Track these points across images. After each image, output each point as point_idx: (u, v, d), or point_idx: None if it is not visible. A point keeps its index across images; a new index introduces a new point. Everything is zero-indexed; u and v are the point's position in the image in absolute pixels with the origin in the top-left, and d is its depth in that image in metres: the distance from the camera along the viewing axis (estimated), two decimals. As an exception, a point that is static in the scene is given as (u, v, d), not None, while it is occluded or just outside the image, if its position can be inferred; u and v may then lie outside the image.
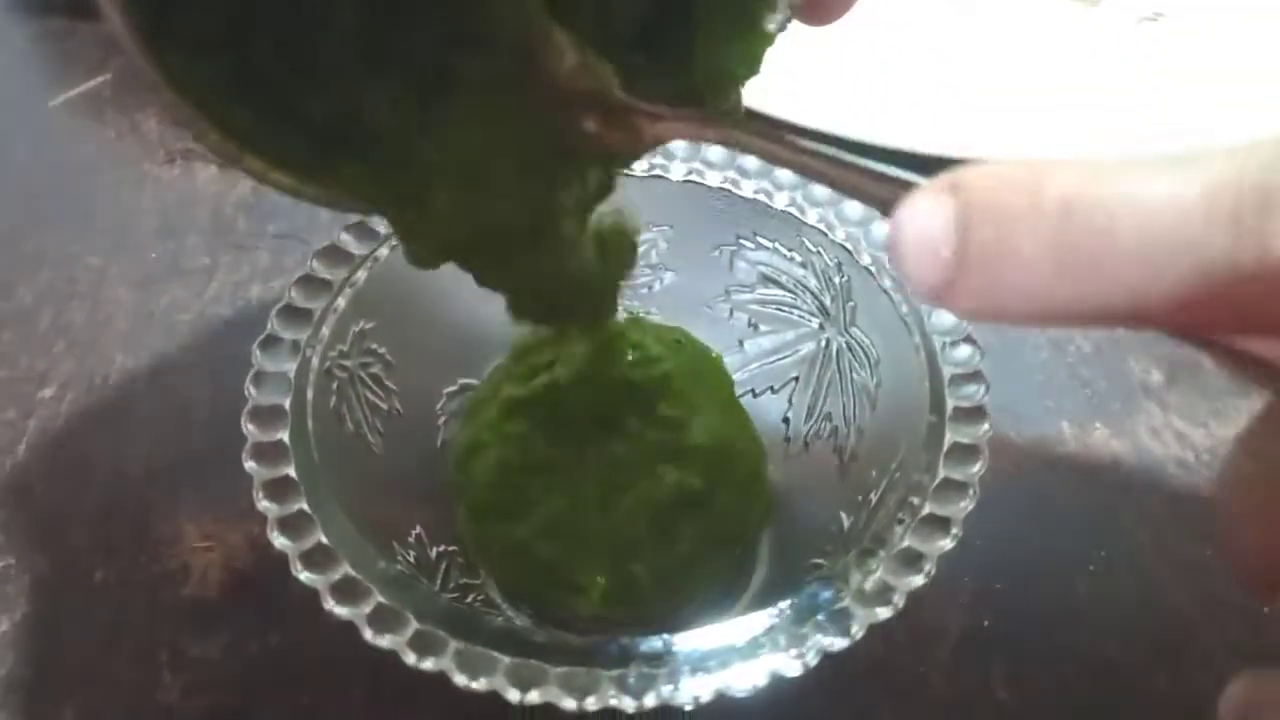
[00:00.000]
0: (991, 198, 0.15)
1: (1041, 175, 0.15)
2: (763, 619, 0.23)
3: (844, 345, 0.31)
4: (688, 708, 0.22)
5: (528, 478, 0.30)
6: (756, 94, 0.42)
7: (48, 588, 0.33)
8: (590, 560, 0.29)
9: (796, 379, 0.33)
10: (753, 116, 0.20)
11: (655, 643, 0.23)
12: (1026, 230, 0.15)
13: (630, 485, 0.30)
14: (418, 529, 0.30)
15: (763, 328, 0.33)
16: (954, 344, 0.27)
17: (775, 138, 0.19)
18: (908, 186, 0.17)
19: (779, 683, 0.23)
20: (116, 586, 0.33)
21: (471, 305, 0.32)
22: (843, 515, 0.29)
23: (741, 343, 0.33)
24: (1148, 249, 0.14)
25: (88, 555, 0.33)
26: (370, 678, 0.30)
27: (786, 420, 0.33)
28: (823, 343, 0.32)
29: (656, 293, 0.34)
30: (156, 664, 0.31)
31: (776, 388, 0.33)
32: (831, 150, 0.19)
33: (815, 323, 0.32)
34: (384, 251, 0.30)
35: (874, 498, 0.28)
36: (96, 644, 0.31)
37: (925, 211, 0.16)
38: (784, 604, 0.23)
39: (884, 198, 0.17)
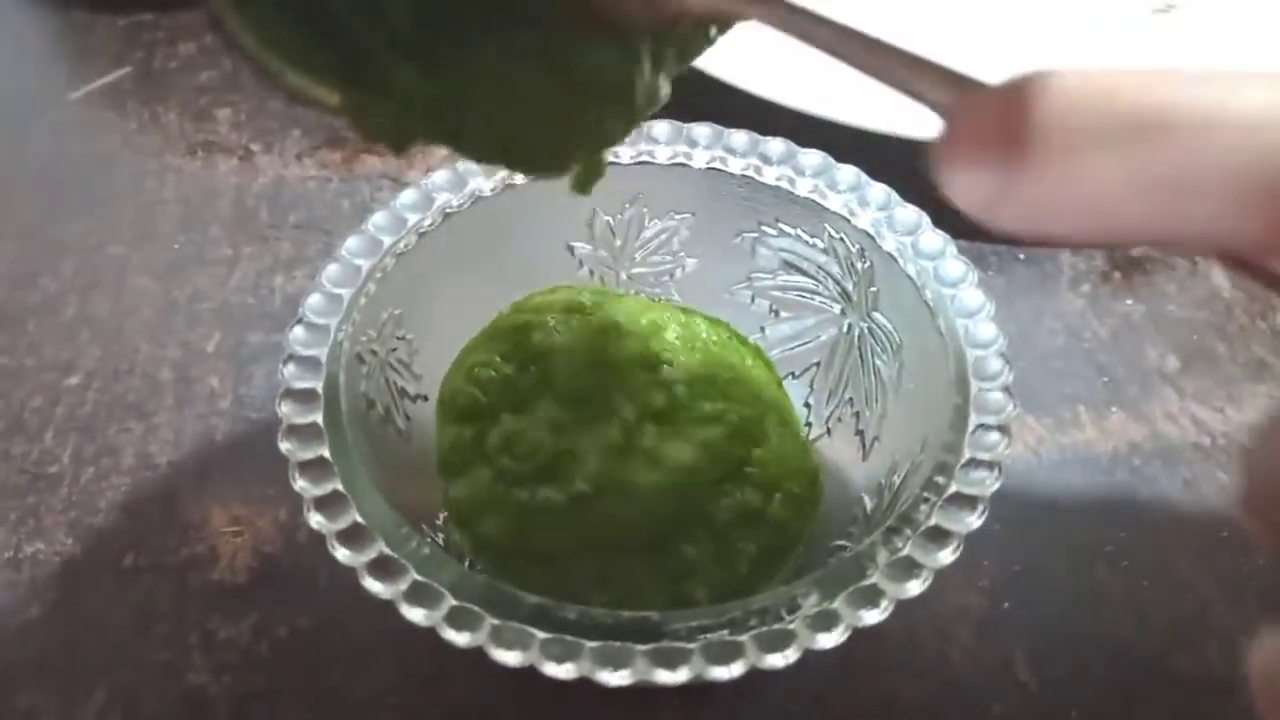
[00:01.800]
0: (1061, 103, 0.14)
1: (1118, 83, 0.14)
2: (793, 594, 0.23)
3: (866, 330, 0.31)
4: (720, 681, 0.23)
5: (561, 531, 0.29)
6: (745, 76, 0.42)
7: (77, 572, 0.33)
8: (648, 595, 0.28)
9: (818, 364, 0.33)
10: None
11: (687, 618, 0.23)
12: (1099, 140, 0.14)
13: (686, 512, 0.29)
14: (445, 513, 0.30)
15: (784, 314, 0.33)
16: (976, 326, 0.28)
17: (824, 21, 0.18)
18: (964, 86, 0.16)
19: (805, 660, 0.23)
20: (146, 571, 0.33)
21: (497, 292, 0.32)
22: (865, 498, 0.29)
23: (763, 329, 0.34)
24: (1238, 166, 0.13)
25: (116, 540, 0.34)
26: (398, 660, 0.31)
27: (808, 405, 0.33)
28: (844, 328, 0.32)
29: (678, 280, 0.34)
30: (186, 646, 0.31)
31: (797, 374, 0.33)
32: (885, 42, 0.17)
33: (837, 308, 0.32)
34: (412, 239, 0.30)
35: (897, 480, 0.28)
36: (127, 627, 0.32)
37: (985, 114, 0.15)
38: (812, 579, 0.24)
39: (934, 96, 0.16)
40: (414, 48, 0.21)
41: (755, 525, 0.29)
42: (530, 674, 0.23)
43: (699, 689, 0.30)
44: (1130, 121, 0.14)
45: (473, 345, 0.32)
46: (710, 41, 0.24)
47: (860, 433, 0.31)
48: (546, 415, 0.30)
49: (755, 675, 0.23)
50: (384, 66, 0.21)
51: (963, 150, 0.15)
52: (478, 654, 0.23)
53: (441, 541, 0.29)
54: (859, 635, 0.23)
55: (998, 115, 0.15)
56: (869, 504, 0.29)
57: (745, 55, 0.43)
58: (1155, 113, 0.14)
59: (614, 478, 0.29)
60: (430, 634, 0.24)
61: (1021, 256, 0.41)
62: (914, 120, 0.42)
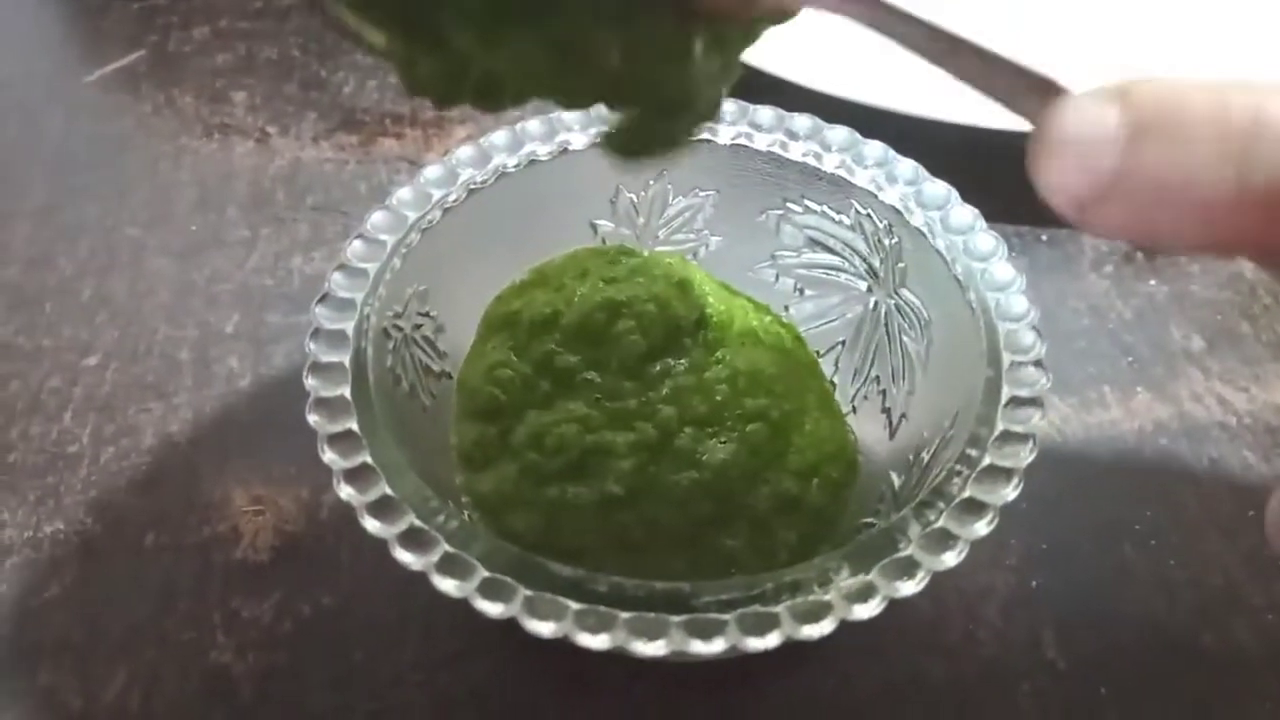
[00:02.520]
0: (1170, 111, 0.14)
1: (1226, 92, 0.14)
2: (825, 568, 0.23)
3: (893, 307, 0.31)
4: (748, 660, 0.23)
5: (592, 529, 0.28)
6: (770, 59, 0.42)
7: (98, 552, 0.33)
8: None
9: (843, 343, 0.33)
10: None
11: (720, 590, 0.23)
12: (1207, 149, 0.14)
13: (723, 506, 0.28)
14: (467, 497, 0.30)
15: (809, 292, 0.33)
16: (1007, 299, 0.27)
17: (918, 22, 0.18)
18: (1056, 91, 0.16)
19: (833, 639, 0.23)
20: (167, 550, 0.33)
21: (519, 269, 0.32)
22: (893, 475, 0.29)
23: (787, 307, 0.34)
24: None
25: (137, 519, 0.33)
26: (422, 638, 0.31)
27: (833, 384, 0.33)
28: (871, 305, 0.32)
29: (701, 258, 0.34)
30: (209, 625, 0.31)
31: (822, 352, 0.33)
32: (979, 44, 0.17)
33: (863, 285, 0.32)
34: (436, 214, 0.30)
35: (926, 456, 0.28)
36: (148, 606, 0.32)
37: (1088, 117, 0.15)
38: (844, 553, 0.24)
39: (1024, 103, 0.16)
40: (478, 14, 0.21)
41: (794, 512, 0.28)
42: (555, 653, 0.23)
43: (727, 669, 0.30)
44: (1239, 117, 0.14)
45: (491, 327, 0.31)
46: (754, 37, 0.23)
47: (887, 410, 0.31)
48: (576, 411, 0.29)
49: (783, 655, 0.23)
50: (443, 24, 0.21)
51: (1059, 159, 0.15)
52: (502, 632, 0.23)
53: (468, 518, 0.29)
54: (887, 613, 0.23)
55: (1107, 102, 0.15)
56: (897, 481, 0.29)
57: (771, 40, 0.43)
58: (1261, 111, 0.14)
59: (648, 477, 0.28)
60: (454, 612, 0.23)
61: (1044, 238, 0.41)
62: (942, 102, 0.42)
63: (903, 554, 0.23)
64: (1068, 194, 0.15)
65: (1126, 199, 0.15)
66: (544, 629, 0.22)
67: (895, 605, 0.23)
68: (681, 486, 0.27)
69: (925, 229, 0.29)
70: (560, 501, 0.27)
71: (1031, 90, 0.16)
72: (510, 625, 0.23)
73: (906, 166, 0.30)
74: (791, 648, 0.23)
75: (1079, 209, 0.15)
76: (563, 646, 0.23)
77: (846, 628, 0.23)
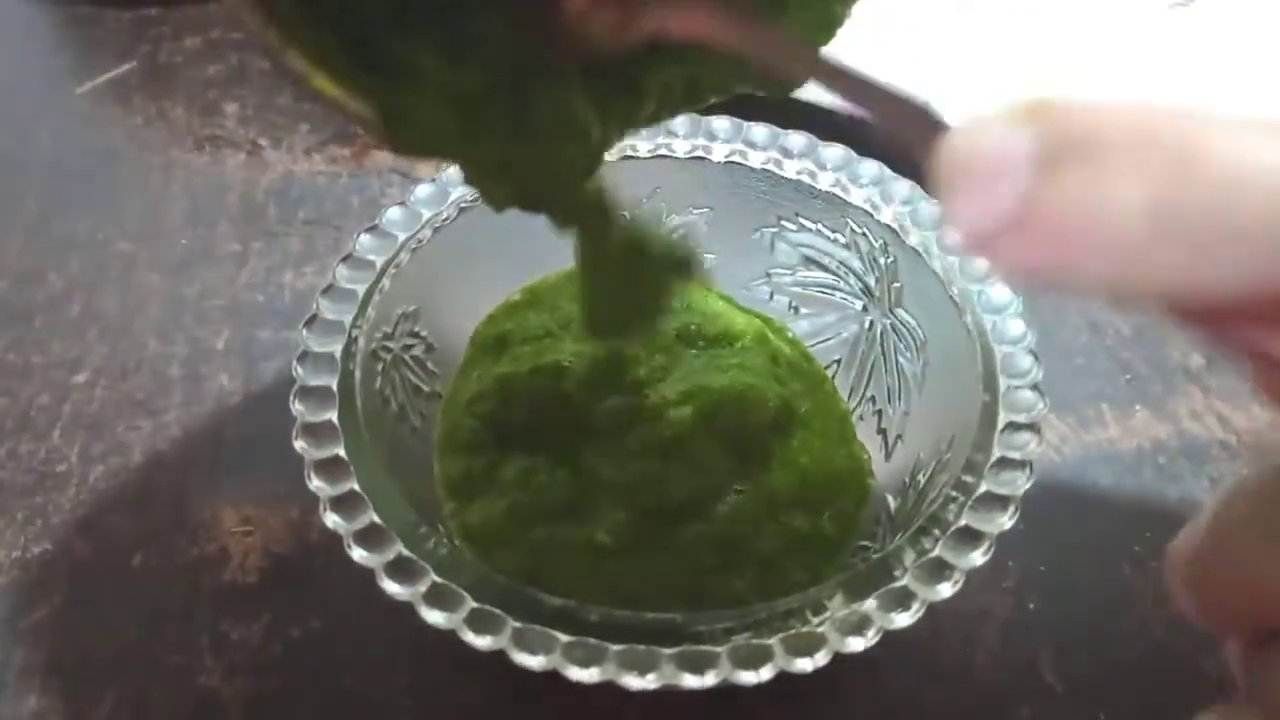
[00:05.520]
0: (1090, 132, 0.13)
1: (1155, 117, 0.13)
2: (819, 597, 0.23)
3: (888, 327, 0.31)
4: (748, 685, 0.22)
5: (582, 574, 0.27)
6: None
7: (86, 573, 0.32)
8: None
9: (839, 361, 0.32)
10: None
11: (713, 619, 0.23)
12: (1131, 175, 0.12)
13: (729, 554, 0.27)
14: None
15: (803, 310, 0.33)
16: (1004, 322, 0.27)
17: (808, 55, 0.17)
18: (935, 120, 0.14)
19: (829, 663, 0.23)
20: (156, 571, 0.32)
21: (511, 288, 0.32)
22: (889, 498, 0.29)
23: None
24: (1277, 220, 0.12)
25: (126, 540, 0.33)
26: (414, 661, 0.30)
27: (829, 403, 0.32)
28: (866, 325, 0.31)
29: (696, 276, 0.34)
30: (198, 648, 0.31)
31: (818, 371, 0.33)
32: (865, 75, 0.16)
33: (858, 305, 0.32)
34: (426, 234, 0.30)
35: (922, 479, 0.28)
36: (137, 629, 0.31)
37: (996, 136, 0.13)
38: (839, 581, 0.23)
39: (922, 131, 0.15)
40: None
41: (805, 548, 0.28)
42: (548, 679, 0.23)
43: (719, 694, 0.29)
44: (1164, 149, 0.12)
45: (480, 348, 0.31)
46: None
47: (883, 431, 0.31)
48: (567, 451, 0.28)
49: (776, 680, 0.23)
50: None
51: (963, 183, 0.14)
52: (496, 656, 0.23)
53: (457, 543, 0.28)
54: (883, 638, 0.23)
55: (1019, 121, 0.13)
56: (893, 504, 0.29)
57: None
58: (1190, 144, 0.12)
59: (646, 530, 0.27)
60: (447, 635, 0.23)
61: (1041, 252, 0.40)
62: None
63: (898, 584, 0.23)
64: (975, 224, 0.13)
65: (1039, 230, 0.13)
66: (533, 662, 0.22)
67: (891, 630, 0.23)
68: (683, 540, 0.27)
69: (921, 249, 0.29)
70: (549, 544, 0.27)
71: (917, 117, 0.15)
72: (503, 651, 0.22)
73: (903, 185, 0.30)
74: (785, 674, 0.22)
75: (987, 242, 0.13)
76: (556, 673, 0.22)
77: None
